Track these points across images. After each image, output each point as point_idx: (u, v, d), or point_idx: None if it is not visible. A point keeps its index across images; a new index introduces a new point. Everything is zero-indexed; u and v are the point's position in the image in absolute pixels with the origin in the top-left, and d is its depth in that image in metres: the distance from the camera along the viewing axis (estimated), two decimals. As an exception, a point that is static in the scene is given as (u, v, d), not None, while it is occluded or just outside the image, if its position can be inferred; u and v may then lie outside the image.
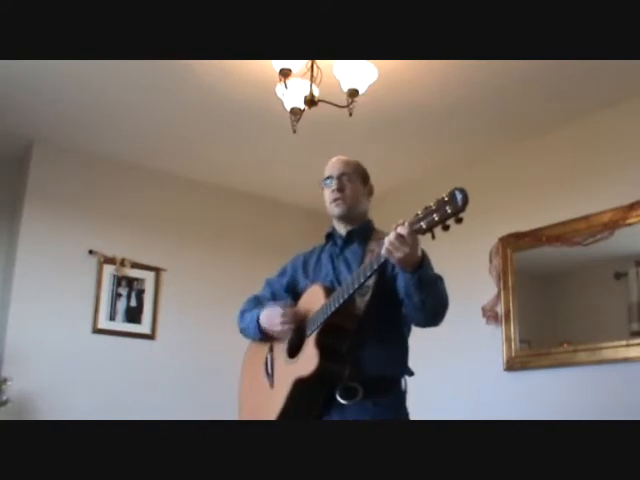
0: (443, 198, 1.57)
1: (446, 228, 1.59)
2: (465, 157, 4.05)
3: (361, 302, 1.90)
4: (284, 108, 2.96)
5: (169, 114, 3.68)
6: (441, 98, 3.39)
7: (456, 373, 3.84)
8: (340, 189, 2.07)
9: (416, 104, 3.45)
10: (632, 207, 3.17)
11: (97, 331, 3.99)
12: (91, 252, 4.05)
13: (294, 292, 2.17)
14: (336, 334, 1.90)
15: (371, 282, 1.88)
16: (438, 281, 1.86)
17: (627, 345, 3.09)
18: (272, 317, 2.04)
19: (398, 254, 1.68)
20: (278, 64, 2.75)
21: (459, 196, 1.55)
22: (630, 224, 3.18)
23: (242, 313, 2.24)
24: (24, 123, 3.80)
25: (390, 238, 1.68)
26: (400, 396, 1.99)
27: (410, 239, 1.66)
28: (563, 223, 3.45)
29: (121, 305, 4.12)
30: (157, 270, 4.27)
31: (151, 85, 3.37)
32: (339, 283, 2.00)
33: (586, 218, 3.35)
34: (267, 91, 3.11)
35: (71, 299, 3.95)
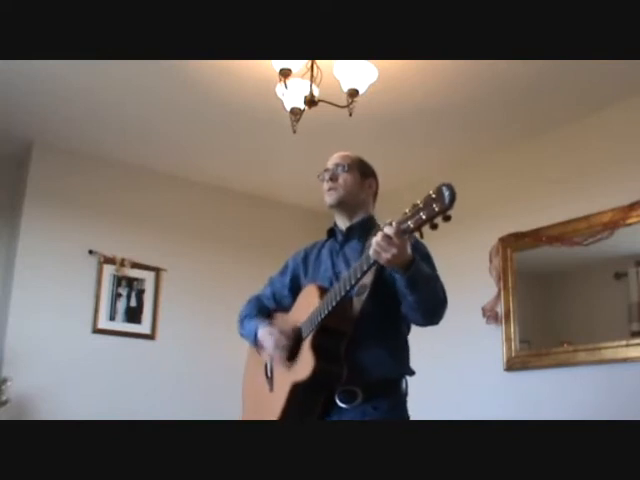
0: (430, 195, 1.51)
1: (434, 227, 1.53)
2: (465, 157, 4.05)
3: (358, 302, 1.87)
4: (284, 108, 2.96)
5: (169, 115, 3.68)
6: (440, 98, 3.39)
7: (456, 373, 3.84)
8: (332, 179, 2.07)
9: (416, 104, 3.45)
10: (632, 207, 3.17)
11: (97, 331, 4.00)
12: (91, 252, 4.05)
13: (297, 288, 2.14)
14: (331, 336, 1.86)
15: (368, 281, 1.84)
16: (433, 280, 1.83)
17: (627, 345, 3.09)
18: (266, 340, 2.02)
19: (386, 255, 1.64)
20: (278, 64, 2.75)
21: (446, 192, 1.48)
22: (630, 224, 3.18)
23: (242, 319, 2.22)
24: (24, 124, 3.80)
25: (377, 239, 1.64)
26: (401, 398, 1.95)
27: (397, 240, 1.62)
28: (563, 223, 3.45)
29: (121, 305, 4.12)
30: (157, 270, 4.27)
31: (151, 86, 3.37)
32: (338, 280, 1.95)
33: (586, 218, 3.35)
34: (267, 91, 3.11)
35: (71, 299, 3.96)
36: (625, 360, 3.09)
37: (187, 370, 4.17)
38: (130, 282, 4.17)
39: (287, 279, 2.20)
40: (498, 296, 3.68)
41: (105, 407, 3.78)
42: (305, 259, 2.17)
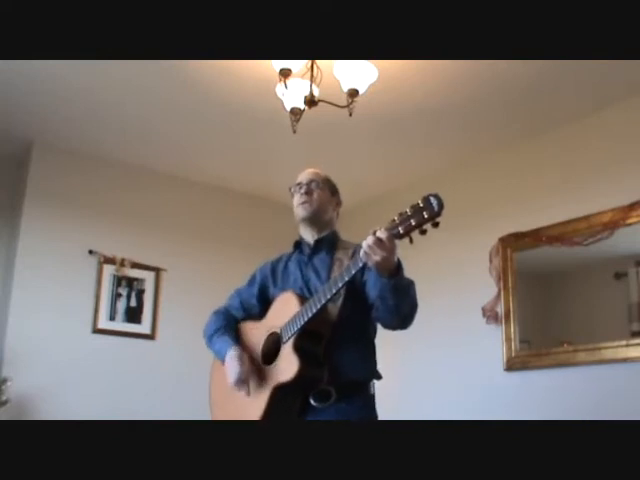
0: (418, 204, 1.62)
1: (423, 232, 1.63)
2: (465, 157, 4.05)
3: (333, 308, 1.95)
4: (284, 108, 2.96)
5: (169, 115, 3.68)
6: (440, 98, 3.39)
7: (456, 373, 3.84)
8: (308, 193, 2.15)
9: (416, 104, 3.45)
10: (632, 207, 3.17)
11: (97, 331, 4.00)
12: (91, 252, 4.05)
13: (264, 299, 2.23)
14: (313, 339, 1.95)
15: (342, 289, 1.92)
16: (411, 286, 1.91)
17: (627, 345, 3.09)
18: (231, 368, 2.05)
19: (376, 257, 1.71)
20: (278, 64, 2.75)
21: (434, 201, 1.59)
22: (630, 224, 3.18)
23: (211, 334, 2.29)
24: (24, 124, 3.80)
25: (368, 242, 1.71)
26: (370, 398, 2.04)
27: (389, 243, 1.69)
28: (563, 223, 3.45)
29: (121, 305, 4.12)
30: (157, 270, 4.27)
31: (151, 86, 3.36)
32: (308, 290, 2.07)
33: (586, 218, 3.35)
34: (267, 91, 3.11)
35: (71, 299, 3.96)
36: (625, 360, 3.08)
37: (187, 370, 4.16)
38: (130, 282, 4.17)
39: (255, 289, 2.28)
40: (498, 296, 3.68)
41: (105, 407, 3.78)
42: (273, 271, 2.27)
